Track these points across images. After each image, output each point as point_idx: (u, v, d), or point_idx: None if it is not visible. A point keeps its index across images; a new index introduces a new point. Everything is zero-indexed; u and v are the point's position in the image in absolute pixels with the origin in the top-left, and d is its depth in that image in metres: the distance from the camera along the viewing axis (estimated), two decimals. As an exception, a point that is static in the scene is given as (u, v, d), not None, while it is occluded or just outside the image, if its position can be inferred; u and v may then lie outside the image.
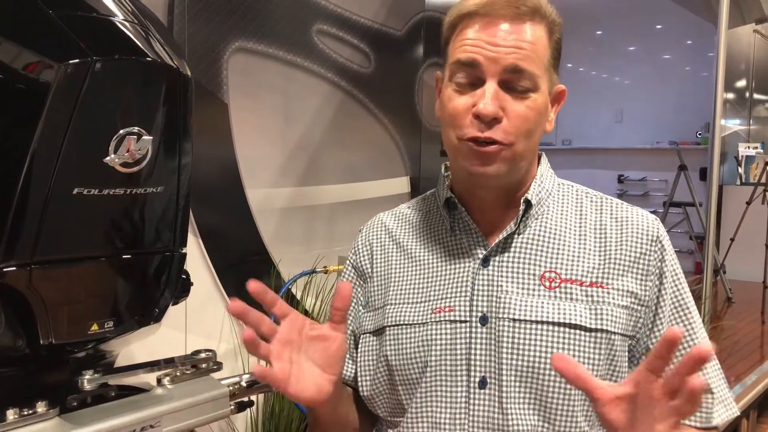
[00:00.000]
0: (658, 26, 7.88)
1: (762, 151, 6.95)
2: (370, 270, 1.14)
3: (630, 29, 7.93)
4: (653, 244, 1.02)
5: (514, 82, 0.95)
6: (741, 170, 6.97)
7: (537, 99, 0.97)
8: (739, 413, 1.07)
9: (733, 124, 7.56)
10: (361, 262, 1.16)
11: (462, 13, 0.98)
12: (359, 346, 1.11)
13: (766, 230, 5.26)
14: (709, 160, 2.71)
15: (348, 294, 0.90)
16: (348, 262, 1.19)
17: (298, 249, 2.47)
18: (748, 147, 7.08)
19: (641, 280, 1.00)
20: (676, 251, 1.03)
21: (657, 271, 1.01)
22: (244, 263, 2.31)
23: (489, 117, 0.93)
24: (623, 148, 7.80)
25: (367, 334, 1.09)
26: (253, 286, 0.83)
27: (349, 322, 1.15)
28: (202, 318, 2.13)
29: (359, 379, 1.09)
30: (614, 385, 0.77)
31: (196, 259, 2.13)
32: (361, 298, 1.14)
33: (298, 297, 2.38)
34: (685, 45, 7.65)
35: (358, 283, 1.16)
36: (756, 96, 7.86)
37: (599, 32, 8.38)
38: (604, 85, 8.40)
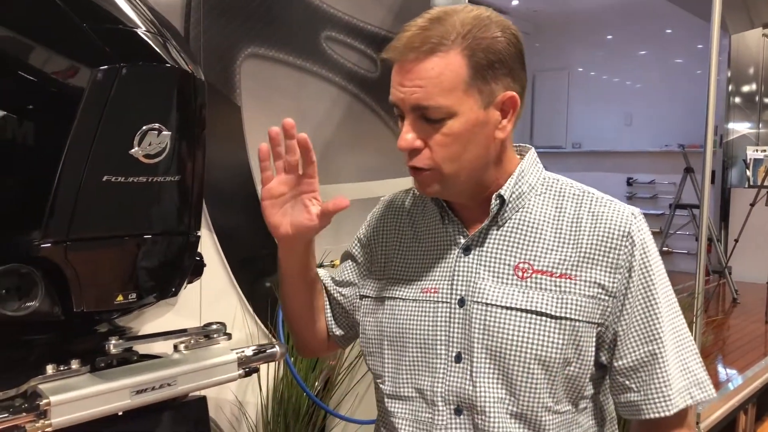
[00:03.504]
0: (668, 30, 7.92)
1: (771, 154, 6.99)
2: (377, 241, 1.27)
3: (640, 34, 7.97)
4: (623, 239, 1.09)
5: (425, 116, 1.05)
6: (749, 173, 7.02)
7: (453, 125, 1.04)
8: (715, 395, 1.15)
9: (743, 128, 7.60)
10: (372, 233, 1.30)
11: (386, 57, 1.08)
12: (361, 306, 1.26)
13: (770, 232, 5.32)
14: (702, 160, 2.80)
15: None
16: (363, 226, 1.33)
17: (307, 244, 2.58)
18: (757, 150, 7.12)
19: (610, 272, 1.08)
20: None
21: (626, 264, 1.08)
22: (256, 257, 2.42)
23: (404, 150, 1.06)
24: (632, 151, 7.86)
25: (368, 298, 1.24)
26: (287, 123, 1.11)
27: (355, 281, 1.30)
28: (216, 309, 2.24)
29: (361, 334, 1.24)
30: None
31: (210, 253, 2.25)
32: (366, 263, 1.29)
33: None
34: (695, 49, 7.69)
35: (366, 249, 1.30)
36: (766, 100, 7.89)
37: (609, 36, 8.44)
38: (614, 88, 8.45)
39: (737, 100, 7.47)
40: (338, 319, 1.33)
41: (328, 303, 1.33)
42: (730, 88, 7.28)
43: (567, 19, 8.23)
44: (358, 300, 1.28)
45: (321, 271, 1.34)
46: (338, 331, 1.33)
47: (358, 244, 1.32)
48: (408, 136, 1.05)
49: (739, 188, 7.08)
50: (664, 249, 6.51)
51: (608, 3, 7.68)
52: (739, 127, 7.54)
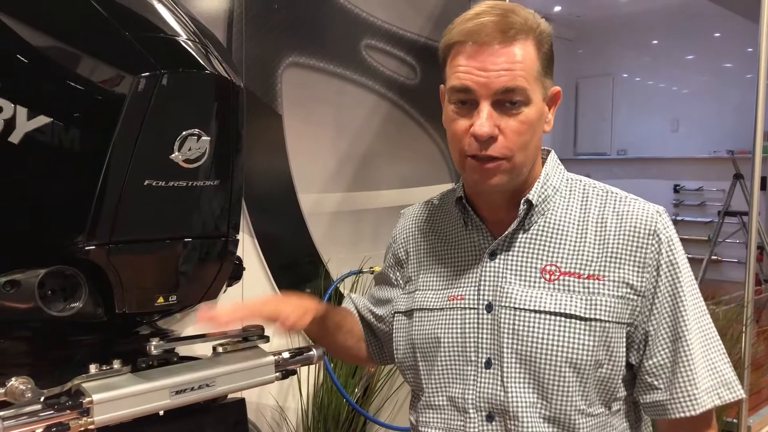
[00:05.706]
0: (717, 34, 7.75)
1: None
2: (405, 257, 1.27)
3: (687, 38, 7.80)
4: (650, 237, 1.08)
5: (506, 100, 1.03)
6: (802, 180, 6.80)
7: (529, 112, 1.05)
8: (744, 396, 1.13)
9: (796, 133, 7.37)
10: (398, 250, 1.30)
11: (452, 41, 1.06)
12: (394, 323, 1.25)
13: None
14: (751, 166, 2.73)
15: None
16: (388, 249, 1.33)
17: (346, 250, 2.60)
18: (810, 156, 6.90)
19: (638, 271, 1.08)
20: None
21: (654, 263, 1.08)
22: (296, 263, 2.45)
23: (484, 137, 1.02)
24: (679, 158, 7.69)
25: (400, 314, 1.23)
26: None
27: (391, 299, 1.30)
28: (256, 313, 2.28)
29: (395, 351, 1.24)
30: None
31: (252, 258, 2.28)
32: (400, 281, 1.28)
33: (345, 295, 2.51)
34: (746, 53, 7.49)
35: (396, 268, 1.30)
36: (819, 104, 7.64)
37: (655, 41, 8.29)
38: (660, 94, 8.28)
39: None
40: (377, 347, 1.35)
41: (365, 334, 1.35)
42: (781, 92, 7.07)
43: (611, 24, 8.11)
44: (392, 317, 1.28)
45: (356, 301, 1.36)
46: (380, 359, 1.35)
47: (389, 263, 1.33)
48: (489, 123, 1.02)
49: (792, 195, 6.86)
50: (713, 258, 6.35)
51: (653, 7, 7.54)
52: (792, 133, 7.31)
